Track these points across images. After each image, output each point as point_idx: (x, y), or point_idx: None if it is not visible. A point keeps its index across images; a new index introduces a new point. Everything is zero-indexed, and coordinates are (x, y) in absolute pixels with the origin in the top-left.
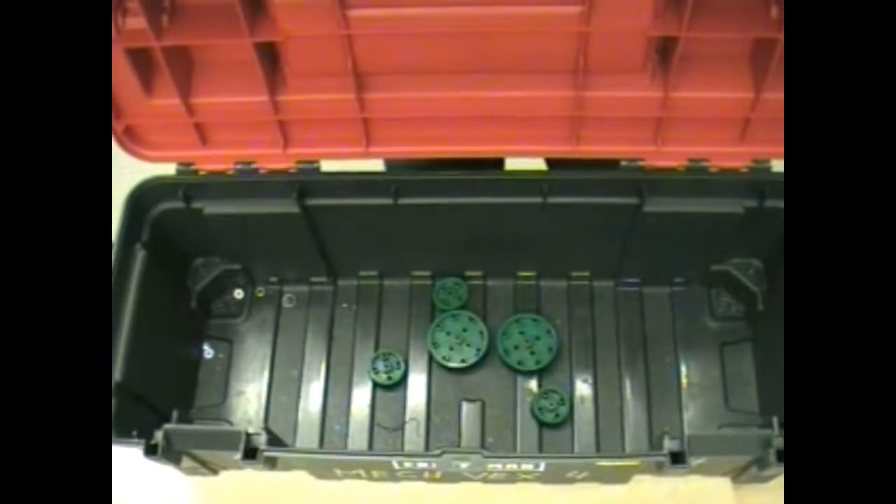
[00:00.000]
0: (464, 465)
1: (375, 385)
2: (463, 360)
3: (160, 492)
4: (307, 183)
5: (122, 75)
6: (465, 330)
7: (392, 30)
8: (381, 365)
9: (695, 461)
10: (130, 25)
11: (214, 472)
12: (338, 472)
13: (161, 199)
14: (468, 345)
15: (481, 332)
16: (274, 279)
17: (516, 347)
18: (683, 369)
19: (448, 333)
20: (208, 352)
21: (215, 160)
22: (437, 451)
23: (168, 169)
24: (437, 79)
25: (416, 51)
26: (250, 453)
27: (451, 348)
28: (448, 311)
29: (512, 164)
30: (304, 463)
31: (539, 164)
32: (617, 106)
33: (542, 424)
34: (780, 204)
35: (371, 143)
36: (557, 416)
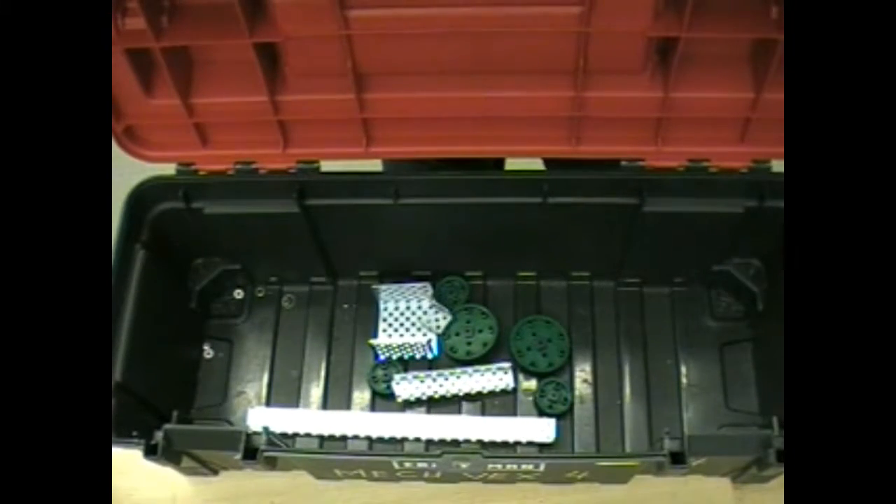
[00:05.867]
0: (464, 466)
1: (375, 393)
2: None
3: (160, 492)
4: (307, 183)
5: (122, 76)
6: (467, 331)
7: (392, 30)
8: (380, 373)
9: (695, 461)
10: (130, 26)
11: (214, 472)
12: (338, 472)
13: (161, 199)
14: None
15: (484, 331)
16: (274, 279)
17: (529, 349)
18: (683, 369)
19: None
20: (208, 352)
21: (215, 160)
22: (437, 452)
23: (168, 169)
24: (436, 79)
25: (415, 51)
26: (250, 453)
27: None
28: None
29: (512, 163)
30: (304, 463)
31: (539, 164)
32: (617, 106)
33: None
34: (780, 204)
35: (371, 143)
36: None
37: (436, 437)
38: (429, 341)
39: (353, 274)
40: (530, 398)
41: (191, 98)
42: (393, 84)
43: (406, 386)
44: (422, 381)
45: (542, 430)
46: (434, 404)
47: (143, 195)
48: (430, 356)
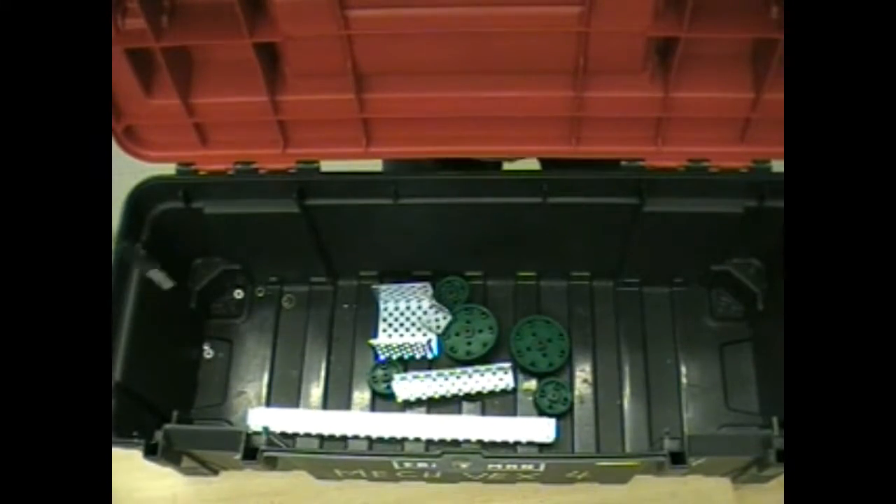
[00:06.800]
0: (464, 466)
1: (375, 393)
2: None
3: (160, 492)
4: (307, 183)
5: (122, 76)
6: (468, 331)
7: (392, 30)
8: (380, 373)
9: (695, 461)
10: (130, 26)
11: (214, 472)
12: (338, 472)
13: (161, 199)
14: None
15: (484, 331)
16: (274, 279)
17: (529, 349)
18: (683, 369)
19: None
20: (208, 352)
21: (215, 160)
22: (437, 452)
23: (168, 169)
24: (436, 79)
25: (415, 51)
26: (250, 453)
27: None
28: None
29: (512, 163)
30: (304, 463)
31: (538, 164)
32: (617, 106)
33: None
34: (780, 204)
35: (371, 143)
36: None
37: (436, 437)
38: (429, 341)
39: (353, 274)
40: (530, 398)
41: (191, 98)
42: (393, 84)
43: (406, 386)
44: (422, 381)
45: (542, 430)
46: (434, 404)
47: (143, 195)
48: (430, 356)
